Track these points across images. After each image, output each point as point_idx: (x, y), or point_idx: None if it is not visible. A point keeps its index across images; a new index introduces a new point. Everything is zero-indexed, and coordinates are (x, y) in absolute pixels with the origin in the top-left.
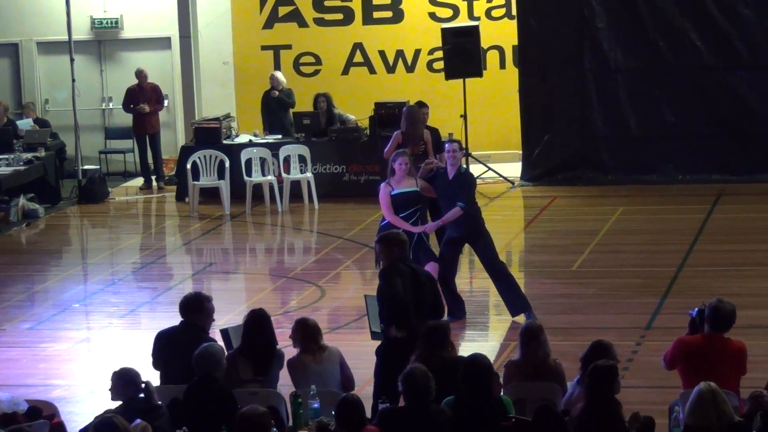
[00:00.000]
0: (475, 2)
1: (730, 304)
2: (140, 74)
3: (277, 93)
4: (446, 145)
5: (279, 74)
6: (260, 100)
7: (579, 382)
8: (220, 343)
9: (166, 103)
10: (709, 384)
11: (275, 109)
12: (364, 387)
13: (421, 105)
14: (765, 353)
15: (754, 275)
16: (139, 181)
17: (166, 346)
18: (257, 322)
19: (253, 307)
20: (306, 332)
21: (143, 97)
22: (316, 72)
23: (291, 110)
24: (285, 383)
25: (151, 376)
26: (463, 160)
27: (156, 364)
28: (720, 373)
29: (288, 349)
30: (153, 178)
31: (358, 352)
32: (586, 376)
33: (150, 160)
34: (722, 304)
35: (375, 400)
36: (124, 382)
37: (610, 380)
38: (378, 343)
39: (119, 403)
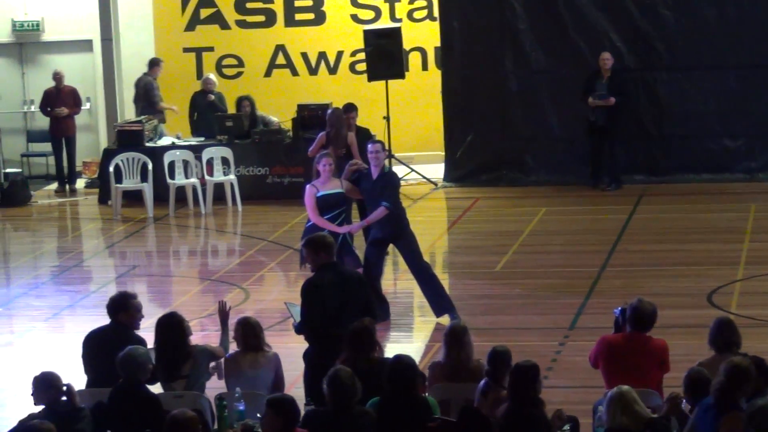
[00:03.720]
0: (396, 4)
1: (651, 304)
2: (57, 76)
3: (213, 97)
4: (369, 146)
5: (214, 77)
6: (189, 102)
7: (482, 393)
8: (150, 344)
9: (87, 105)
10: (620, 387)
11: (205, 111)
12: (291, 388)
13: (350, 108)
14: (686, 352)
15: (675, 275)
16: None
17: (95, 348)
18: (163, 327)
19: (177, 309)
20: (246, 331)
21: (60, 99)
22: (239, 74)
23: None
24: (215, 386)
25: (73, 379)
26: (386, 161)
27: (86, 369)
28: (641, 372)
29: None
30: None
31: (283, 354)
32: (508, 375)
33: (65, 163)
34: (642, 304)
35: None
36: (45, 386)
37: (532, 380)
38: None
39: (42, 407)
